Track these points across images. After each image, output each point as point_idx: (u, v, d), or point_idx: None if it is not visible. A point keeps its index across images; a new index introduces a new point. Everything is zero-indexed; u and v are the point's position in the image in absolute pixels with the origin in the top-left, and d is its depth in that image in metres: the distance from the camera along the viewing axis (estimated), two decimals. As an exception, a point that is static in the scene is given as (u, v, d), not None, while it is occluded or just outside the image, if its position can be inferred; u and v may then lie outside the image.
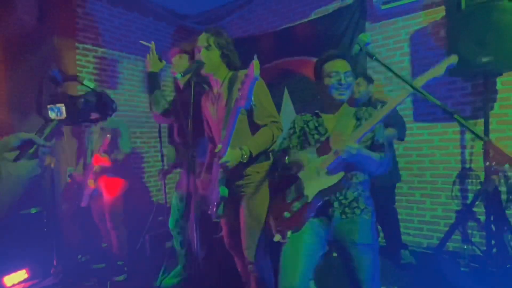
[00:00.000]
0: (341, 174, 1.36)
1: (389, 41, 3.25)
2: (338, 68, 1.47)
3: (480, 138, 1.21)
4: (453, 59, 1.25)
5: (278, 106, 3.99)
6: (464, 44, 2.40)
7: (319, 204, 1.41)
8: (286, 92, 3.94)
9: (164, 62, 2.21)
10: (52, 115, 0.92)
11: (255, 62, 1.28)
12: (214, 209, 1.67)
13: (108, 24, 3.76)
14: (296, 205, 1.44)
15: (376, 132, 1.45)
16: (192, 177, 1.69)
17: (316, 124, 1.54)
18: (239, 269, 1.96)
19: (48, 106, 0.91)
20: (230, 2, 4.35)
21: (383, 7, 3.10)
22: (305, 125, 1.56)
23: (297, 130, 1.58)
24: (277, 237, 1.46)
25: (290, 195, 1.49)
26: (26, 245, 2.89)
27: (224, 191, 1.59)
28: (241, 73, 1.63)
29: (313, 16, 3.73)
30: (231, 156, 1.51)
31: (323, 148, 1.44)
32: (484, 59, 2.33)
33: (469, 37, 2.39)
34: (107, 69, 3.75)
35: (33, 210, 3.22)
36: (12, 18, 3.34)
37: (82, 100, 0.96)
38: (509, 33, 2.26)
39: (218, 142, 1.67)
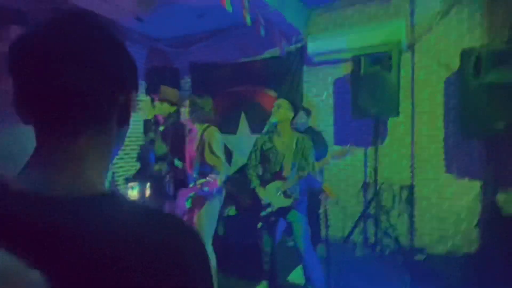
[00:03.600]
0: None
1: (319, 82, 4.28)
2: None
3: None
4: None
5: (236, 126, 4.90)
6: (361, 97, 3.47)
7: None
8: (242, 115, 4.85)
9: (156, 110, 2.99)
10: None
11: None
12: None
13: (91, 50, 4.39)
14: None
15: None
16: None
17: (270, 146, 2.49)
18: None
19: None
20: (199, 32, 5.13)
21: (315, 58, 4.11)
22: (262, 145, 2.53)
23: (257, 151, 2.55)
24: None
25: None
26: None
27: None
28: (210, 130, 2.52)
29: (266, 55, 4.66)
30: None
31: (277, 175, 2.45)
32: (373, 110, 3.41)
33: (364, 93, 3.46)
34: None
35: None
36: (6, 47, 3.89)
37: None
38: (388, 95, 3.35)
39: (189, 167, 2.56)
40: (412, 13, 3.68)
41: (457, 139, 3.40)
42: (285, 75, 4.46)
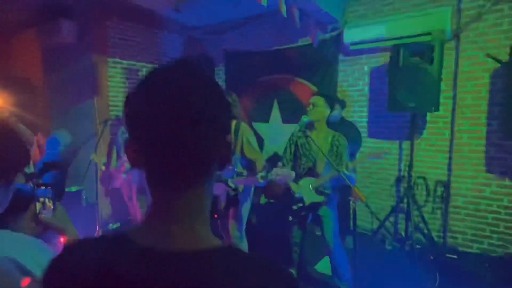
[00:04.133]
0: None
1: (355, 72, 4.18)
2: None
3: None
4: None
5: (268, 114, 4.95)
6: (398, 90, 3.36)
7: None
8: (275, 103, 4.88)
9: None
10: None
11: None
12: None
13: (131, 40, 4.60)
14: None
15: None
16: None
17: (304, 142, 2.55)
18: None
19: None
20: (233, 19, 5.14)
21: (351, 47, 4.00)
22: (298, 140, 2.59)
23: (292, 145, 2.62)
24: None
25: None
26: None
27: None
28: (243, 126, 2.59)
29: (300, 43, 4.59)
30: None
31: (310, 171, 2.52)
32: (411, 104, 3.30)
33: (402, 86, 3.34)
34: (131, 78, 4.63)
35: (73, 189, 4.26)
36: (57, 37, 4.18)
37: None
38: (428, 88, 3.22)
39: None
40: (459, -1, 3.43)
41: (500, 137, 3.22)
42: (320, 64, 4.39)
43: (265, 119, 5.01)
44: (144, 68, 4.81)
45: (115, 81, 4.44)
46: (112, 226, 4.31)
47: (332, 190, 2.62)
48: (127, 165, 3.82)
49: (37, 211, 1.03)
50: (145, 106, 0.50)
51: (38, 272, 0.83)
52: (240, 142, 2.63)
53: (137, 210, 3.94)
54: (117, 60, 4.45)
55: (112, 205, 4.32)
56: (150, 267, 0.47)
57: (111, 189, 4.11)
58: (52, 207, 1.04)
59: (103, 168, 4.18)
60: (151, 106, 0.49)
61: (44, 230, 1.05)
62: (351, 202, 1.97)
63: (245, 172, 2.58)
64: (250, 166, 2.62)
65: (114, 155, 4.06)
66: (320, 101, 2.53)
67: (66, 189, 4.09)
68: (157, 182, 0.53)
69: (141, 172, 0.54)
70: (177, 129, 0.48)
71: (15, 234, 0.93)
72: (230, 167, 2.60)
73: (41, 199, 1.03)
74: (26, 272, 0.84)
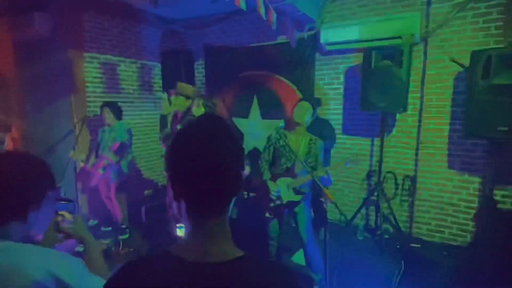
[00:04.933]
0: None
1: (331, 71, 4.33)
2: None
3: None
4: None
5: (248, 110, 5.05)
6: (370, 91, 3.55)
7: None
8: (255, 99, 4.98)
9: (172, 106, 3.17)
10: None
11: None
12: None
13: (108, 34, 4.52)
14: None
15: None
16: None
17: (284, 144, 2.68)
18: None
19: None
20: (212, 14, 5.13)
21: (327, 47, 4.14)
22: (276, 142, 2.70)
23: (271, 146, 2.74)
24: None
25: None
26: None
27: None
28: None
29: (279, 40, 4.68)
30: None
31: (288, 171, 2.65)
32: (381, 104, 3.50)
33: (374, 87, 3.53)
34: (108, 73, 4.57)
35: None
36: (30, 31, 4.06)
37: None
38: (397, 90, 3.42)
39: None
40: (428, 3, 3.62)
41: (461, 136, 3.49)
42: (298, 62, 4.51)
43: (245, 115, 5.11)
44: (121, 63, 4.76)
45: (92, 77, 4.38)
46: (92, 222, 4.32)
47: (308, 189, 2.78)
48: (105, 161, 3.83)
49: (58, 223, 1.17)
50: (183, 157, 0.68)
51: (73, 284, 0.95)
52: None
53: (116, 207, 3.97)
54: (94, 54, 4.37)
55: (90, 202, 4.32)
56: (195, 277, 0.64)
57: (89, 186, 4.11)
58: (71, 218, 1.18)
59: (82, 165, 4.17)
60: (188, 156, 0.67)
61: (64, 239, 1.18)
62: (322, 201, 2.12)
63: None
64: None
65: (93, 153, 4.06)
66: (306, 105, 2.65)
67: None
68: (194, 211, 0.71)
69: (179, 202, 0.71)
70: (209, 172, 0.66)
71: (49, 249, 1.04)
72: None
73: (61, 212, 1.18)
74: (63, 285, 0.94)
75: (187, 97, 3.13)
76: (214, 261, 0.67)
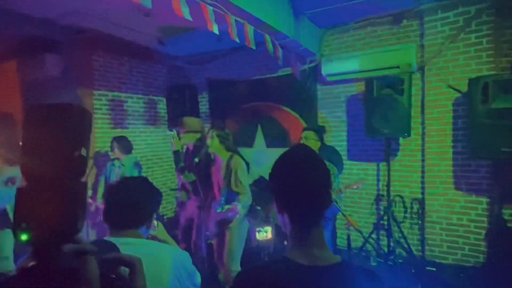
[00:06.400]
0: None
1: (333, 100, 4.51)
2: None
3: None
4: (351, 185, 2.57)
5: (252, 140, 5.16)
6: (374, 118, 3.70)
7: None
8: (259, 128, 5.11)
9: (182, 140, 3.25)
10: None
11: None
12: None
13: (116, 72, 4.67)
14: None
15: None
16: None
17: None
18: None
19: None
20: (215, 50, 5.36)
21: (328, 78, 4.35)
22: None
23: None
24: None
25: None
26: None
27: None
28: (236, 158, 2.74)
29: (280, 73, 4.89)
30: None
31: None
32: (385, 130, 3.64)
33: (377, 114, 3.69)
34: (116, 109, 4.67)
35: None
36: (41, 71, 4.17)
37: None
38: (400, 116, 3.58)
39: (218, 193, 2.81)
40: (421, 36, 3.89)
41: (464, 158, 3.62)
42: (300, 92, 4.70)
43: (249, 144, 5.20)
44: (129, 99, 4.87)
45: (101, 113, 4.46)
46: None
47: (327, 219, 2.82)
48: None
49: None
50: (288, 178, 0.86)
51: (191, 271, 1.30)
52: (230, 173, 2.76)
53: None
54: (103, 92, 4.49)
55: (99, 237, 4.24)
56: (312, 279, 0.79)
57: (98, 222, 4.06)
58: (155, 224, 1.43)
59: (90, 201, 4.13)
60: (292, 177, 0.86)
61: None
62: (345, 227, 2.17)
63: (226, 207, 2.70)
64: (234, 198, 2.73)
65: (101, 189, 4.04)
66: (311, 134, 2.76)
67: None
68: (299, 222, 0.86)
69: (282, 215, 0.88)
70: (309, 190, 0.85)
71: (171, 245, 1.47)
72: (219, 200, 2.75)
73: None
74: (188, 270, 1.28)
75: (196, 132, 3.24)
76: (323, 264, 0.81)
